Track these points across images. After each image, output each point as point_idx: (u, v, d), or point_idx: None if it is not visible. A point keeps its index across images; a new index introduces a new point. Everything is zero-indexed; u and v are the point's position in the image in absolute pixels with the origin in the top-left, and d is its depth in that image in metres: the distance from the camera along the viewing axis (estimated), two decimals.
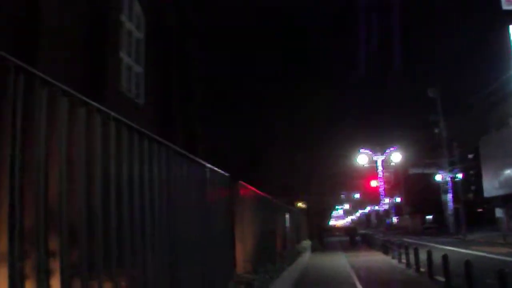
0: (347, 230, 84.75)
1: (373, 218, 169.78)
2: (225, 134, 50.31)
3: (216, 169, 11.07)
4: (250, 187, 15.45)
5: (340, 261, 37.07)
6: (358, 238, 76.32)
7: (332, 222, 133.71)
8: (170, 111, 28.56)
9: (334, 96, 55.90)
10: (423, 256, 26.24)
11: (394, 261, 34.62)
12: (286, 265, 20.34)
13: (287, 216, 27.04)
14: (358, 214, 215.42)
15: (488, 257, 34.17)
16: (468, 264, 17.34)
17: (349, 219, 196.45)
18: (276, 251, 21.28)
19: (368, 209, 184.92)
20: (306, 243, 42.91)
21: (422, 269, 26.14)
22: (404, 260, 31.32)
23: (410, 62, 76.95)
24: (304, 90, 50.82)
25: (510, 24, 51.42)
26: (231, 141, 49.61)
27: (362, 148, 45.79)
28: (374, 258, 38.88)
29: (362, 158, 45.91)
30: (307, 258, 36.74)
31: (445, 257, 20.72)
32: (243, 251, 14.23)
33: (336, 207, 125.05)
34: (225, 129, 49.93)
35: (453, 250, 41.73)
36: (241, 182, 13.96)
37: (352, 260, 37.54)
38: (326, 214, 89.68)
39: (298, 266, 26.44)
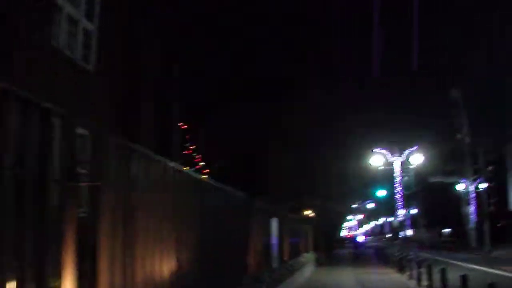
0: (351, 241, 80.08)
1: (386, 230, 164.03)
2: (221, 130, 46.22)
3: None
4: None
5: (348, 282, 30.73)
6: (363, 249, 71.86)
7: (344, 233, 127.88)
8: (136, 87, 22.79)
9: (349, 96, 51.95)
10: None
11: (412, 283, 28.19)
12: None
13: (273, 222, 20.59)
14: (372, 225, 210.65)
15: None
16: None
17: (362, 230, 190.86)
18: (245, 269, 15.21)
19: (382, 220, 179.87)
20: (309, 256, 36.84)
21: None
22: (425, 283, 24.89)
23: (431, 62, 71.39)
24: (318, 90, 47.48)
25: None
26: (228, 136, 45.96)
27: (376, 148, 39.53)
28: (389, 278, 32.26)
29: (377, 159, 39.72)
30: (306, 275, 30.49)
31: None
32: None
33: (348, 217, 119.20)
34: (222, 125, 46.26)
35: (481, 269, 35.66)
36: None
37: (362, 279, 31.24)
38: (337, 224, 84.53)
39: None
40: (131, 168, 7.42)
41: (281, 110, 47.29)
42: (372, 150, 40.31)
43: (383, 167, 40.62)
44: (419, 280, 27.10)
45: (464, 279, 17.22)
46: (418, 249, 69.01)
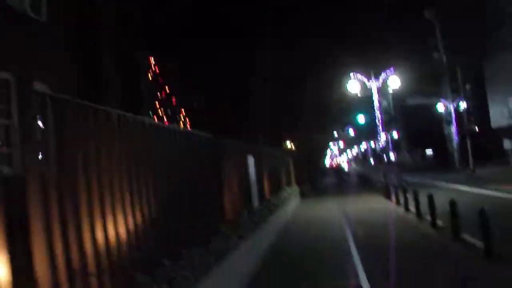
0: (334, 169, 79.51)
1: (369, 155, 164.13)
2: (197, 67, 45.15)
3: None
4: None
5: (333, 212, 29.88)
6: (347, 177, 71.59)
7: (328, 162, 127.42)
8: (95, 36, 21.59)
9: (323, 20, 50.65)
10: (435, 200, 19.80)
11: (400, 210, 27.38)
12: (235, 238, 13.16)
13: (249, 161, 19.44)
14: (354, 151, 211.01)
15: None
16: None
17: (345, 157, 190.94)
18: (222, 216, 14.19)
19: (363, 145, 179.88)
20: (291, 190, 35.91)
21: (439, 222, 19.05)
22: (412, 208, 24.30)
23: None
24: (289, 15, 46.35)
25: None
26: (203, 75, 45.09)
27: (353, 73, 38.31)
28: (376, 206, 31.23)
29: (354, 85, 38.53)
30: (289, 211, 29.53)
31: (482, 214, 13.30)
32: None
33: (330, 146, 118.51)
34: (196, 61, 45.21)
35: (469, 191, 34.92)
36: None
37: (348, 210, 30.20)
38: (319, 154, 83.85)
39: (270, 229, 19.19)
40: (63, 120, 6.27)
41: (257, 45, 46.14)
42: (348, 76, 39.07)
43: (361, 93, 39.47)
44: (406, 206, 26.38)
45: (452, 204, 16.31)
46: (401, 172, 68.78)
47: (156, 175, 9.40)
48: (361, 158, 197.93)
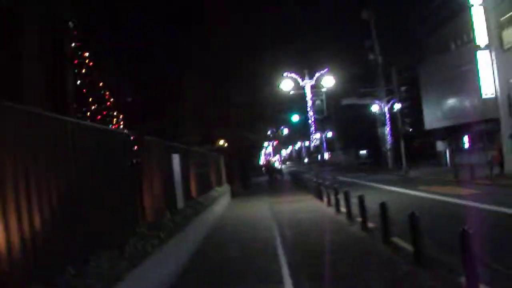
0: (266, 168, 79.12)
1: (304, 155, 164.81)
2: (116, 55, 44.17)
3: None
4: None
5: (263, 213, 29.26)
6: (279, 176, 71.38)
7: (262, 161, 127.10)
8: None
9: (256, 18, 50.08)
10: (367, 200, 19.72)
11: (331, 211, 26.93)
12: (155, 240, 12.34)
13: (174, 159, 18.62)
14: (288, 150, 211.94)
15: (453, 203, 26.56)
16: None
17: (279, 156, 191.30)
18: (142, 216, 13.39)
19: (298, 145, 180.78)
20: (222, 189, 35.25)
21: (370, 224, 18.62)
22: (343, 209, 23.88)
23: None
24: (221, 12, 45.62)
25: None
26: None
27: (286, 72, 37.96)
28: (307, 207, 30.66)
29: (287, 84, 38.40)
30: (217, 211, 28.72)
31: (412, 217, 12.82)
32: None
33: (264, 144, 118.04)
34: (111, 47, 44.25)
35: (401, 192, 34.95)
36: None
37: (278, 210, 29.77)
38: (254, 152, 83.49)
39: (195, 230, 18.40)
40: None
41: (191, 40, 45.39)
42: (282, 75, 38.69)
43: (294, 92, 39.14)
44: (337, 207, 25.98)
45: (382, 206, 15.85)
46: (335, 172, 68.88)
47: (59, 172, 8.51)
48: (296, 157, 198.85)
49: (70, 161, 9.07)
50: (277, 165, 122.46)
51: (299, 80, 37.58)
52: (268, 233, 20.59)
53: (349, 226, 20.81)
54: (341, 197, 25.27)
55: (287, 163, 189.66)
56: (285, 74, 38.36)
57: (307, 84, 37.27)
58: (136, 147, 13.84)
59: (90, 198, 9.74)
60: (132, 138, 13.44)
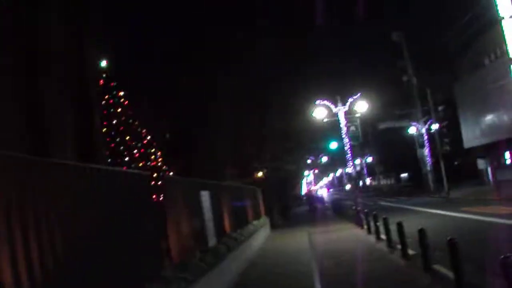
0: (306, 198, 78.40)
1: (345, 181, 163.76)
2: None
3: None
4: None
5: (302, 245, 28.52)
6: (320, 205, 70.88)
7: (305, 190, 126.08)
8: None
9: (290, 47, 50.06)
10: (408, 225, 19.20)
11: (371, 239, 26.23)
12: (182, 283, 11.81)
13: (203, 196, 18.09)
14: (330, 177, 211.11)
15: (495, 223, 25.73)
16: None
17: (321, 184, 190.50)
18: (168, 257, 12.90)
19: (339, 171, 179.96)
20: (260, 222, 34.72)
21: (411, 251, 17.93)
22: (383, 236, 22.99)
23: (375, 7, 70.03)
24: (253, 41, 45.69)
25: None
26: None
27: (319, 100, 37.47)
28: (347, 236, 29.99)
29: (320, 112, 37.78)
30: (257, 244, 28.20)
31: (451, 243, 12.15)
32: None
33: (304, 173, 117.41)
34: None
35: (443, 214, 34.11)
36: None
37: (318, 241, 29.08)
38: (294, 182, 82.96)
39: (228, 268, 17.77)
40: None
41: (219, 73, 45.37)
42: (314, 103, 38.22)
43: (327, 119, 38.61)
44: (377, 235, 25.26)
45: (421, 233, 15.18)
46: (377, 197, 68.04)
47: (67, 217, 8.10)
48: (338, 184, 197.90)
49: (81, 207, 8.67)
50: (322, 193, 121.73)
51: (332, 107, 37.01)
52: (306, 267, 19.94)
53: (389, 254, 20.13)
54: (381, 223, 24.57)
55: (330, 190, 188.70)
56: (317, 101, 37.81)
57: (340, 110, 36.68)
58: (158, 187, 13.43)
59: (106, 243, 9.29)
60: (153, 178, 13.00)
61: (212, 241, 17.91)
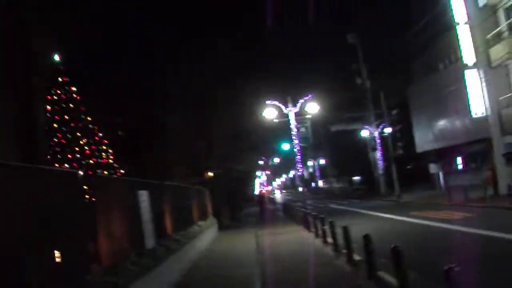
0: (257, 199, 77.79)
1: (298, 183, 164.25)
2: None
3: None
4: None
5: (248, 246, 28.00)
6: (272, 206, 70.67)
7: (258, 191, 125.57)
8: None
9: (239, 48, 49.80)
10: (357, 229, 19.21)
11: (318, 242, 25.69)
12: None
13: (142, 196, 17.24)
14: (283, 179, 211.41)
15: (445, 229, 25.47)
16: None
17: (274, 185, 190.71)
18: (96, 262, 12.08)
19: (292, 173, 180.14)
20: (206, 223, 34.02)
21: (357, 256, 17.32)
22: (330, 240, 22.60)
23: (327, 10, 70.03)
24: (202, 43, 45.42)
25: None
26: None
27: (269, 100, 36.97)
28: (294, 239, 29.40)
29: (270, 112, 37.20)
30: (202, 245, 27.52)
31: (395, 251, 11.66)
32: None
33: (256, 174, 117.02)
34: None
35: (392, 218, 33.88)
36: None
37: (264, 243, 28.69)
38: (245, 183, 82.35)
39: (166, 271, 16.94)
40: None
41: (172, 73, 44.90)
42: (265, 102, 37.72)
43: (278, 120, 38.15)
44: (324, 239, 24.74)
45: (366, 239, 14.66)
46: (328, 199, 67.94)
47: None
48: (291, 186, 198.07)
49: None
50: (275, 194, 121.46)
51: (282, 107, 36.53)
52: (250, 270, 19.38)
53: (335, 259, 19.57)
54: (328, 227, 24.09)
55: (283, 191, 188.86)
56: (267, 101, 37.32)
57: (291, 111, 36.21)
58: (87, 186, 12.63)
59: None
60: (81, 176, 12.16)
61: (150, 243, 17.11)
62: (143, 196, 17.43)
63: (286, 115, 36.89)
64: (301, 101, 36.62)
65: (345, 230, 18.18)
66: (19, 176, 9.22)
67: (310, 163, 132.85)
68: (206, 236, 31.39)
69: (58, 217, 10.31)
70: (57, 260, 10.08)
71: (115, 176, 14.38)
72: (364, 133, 70.77)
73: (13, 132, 20.57)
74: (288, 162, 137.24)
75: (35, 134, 22.88)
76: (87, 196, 12.62)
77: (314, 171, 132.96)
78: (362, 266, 15.87)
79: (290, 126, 36.90)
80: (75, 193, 11.57)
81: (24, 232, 8.84)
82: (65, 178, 11.64)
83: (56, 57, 40.64)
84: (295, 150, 38.36)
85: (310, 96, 36.93)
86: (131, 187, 16.78)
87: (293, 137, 37.29)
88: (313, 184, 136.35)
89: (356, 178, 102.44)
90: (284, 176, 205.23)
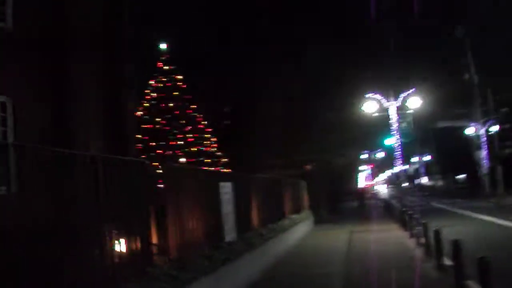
0: (356, 194, 76.49)
1: (402, 179, 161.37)
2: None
3: None
4: None
5: (340, 243, 27.25)
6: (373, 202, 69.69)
7: (361, 185, 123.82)
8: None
9: (343, 43, 48.99)
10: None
11: (411, 243, 24.81)
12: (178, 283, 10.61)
13: (223, 188, 16.76)
14: (389, 173, 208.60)
15: None
16: None
17: (379, 179, 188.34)
18: (164, 253, 11.73)
19: (396, 168, 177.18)
20: (300, 216, 33.48)
21: (447, 262, 16.14)
22: (423, 240, 21.42)
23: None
24: (308, 37, 45.13)
25: None
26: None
27: (370, 93, 35.89)
28: (387, 238, 28.51)
29: (370, 105, 36.10)
30: (290, 241, 26.92)
31: (482, 261, 10.79)
32: None
33: (359, 168, 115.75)
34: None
35: (491, 222, 32.41)
36: None
37: (357, 241, 28.07)
38: (346, 176, 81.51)
39: (244, 266, 16.36)
40: None
41: (269, 65, 44.73)
42: (365, 96, 36.69)
43: (378, 114, 37.03)
44: (418, 240, 23.75)
45: (455, 246, 13.73)
46: (431, 197, 66.26)
47: None
48: (395, 181, 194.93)
49: None
50: (380, 189, 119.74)
51: (383, 100, 35.42)
52: (334, 269, 18.82)
53: (425, 262, 18.68)
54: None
55: (388, 186, 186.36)
56: (368, 95, 36.26)
57: (392, 105, 35.06)
58: (158, 177, 12.27)
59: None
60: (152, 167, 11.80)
61: (230, 236, 16.67)
62: (225, 188, 17.01)
63: (386, 110, 35.75)
64: (403, 95, 35.39)
65: (436, 233, 17.28)
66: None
67: (415, 159, 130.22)
68: (298, 230, 30.82)
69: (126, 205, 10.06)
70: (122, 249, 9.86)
71: (191, 166, 14.00)
72: (470, 130, 68.43)
73: (102, 123, 20.56)
74: (392, 157, 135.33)
75: (124, 121, 22.76)
76: (158, 186, 12.29)
77: (420, 167, 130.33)
78: (451, 273, 14.99)
79: (390, 121, 35.78)
80: (141, 182, 11.20)
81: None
82: (133, 167, 11.29)
83: (163, 46, 41.02)
84: (395, 145, 37.24)
85: (413, 89, 35.68)
86: (211, 178, 16.37)
87: (394, 132, 36.14)
88: (418, 181, 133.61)
89: (461, 176, 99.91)
90: (389, 171, 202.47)
